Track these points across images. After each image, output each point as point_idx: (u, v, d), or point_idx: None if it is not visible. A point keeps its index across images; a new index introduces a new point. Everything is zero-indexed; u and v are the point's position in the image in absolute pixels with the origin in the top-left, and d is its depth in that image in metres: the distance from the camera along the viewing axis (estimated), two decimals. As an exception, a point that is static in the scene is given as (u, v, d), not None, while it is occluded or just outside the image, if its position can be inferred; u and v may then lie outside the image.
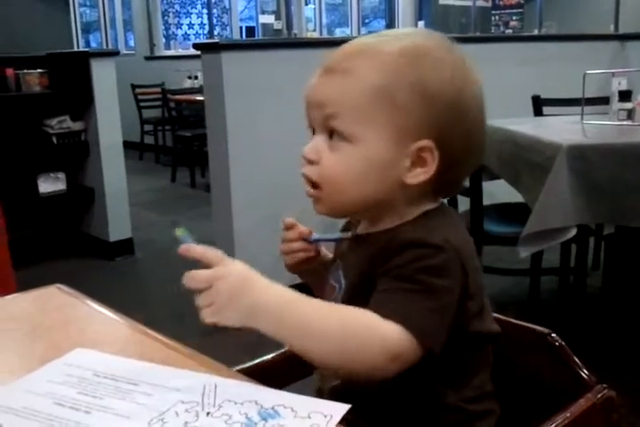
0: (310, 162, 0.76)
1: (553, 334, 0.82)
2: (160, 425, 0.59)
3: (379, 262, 0.71)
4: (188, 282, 0.66)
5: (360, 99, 0.73)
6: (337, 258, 0.85)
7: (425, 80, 0.73)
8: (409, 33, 0.80)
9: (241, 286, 0.66)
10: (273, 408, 0.62)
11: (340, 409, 0.61)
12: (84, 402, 0.63)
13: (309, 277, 0.91)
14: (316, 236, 0.85)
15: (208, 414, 0.61)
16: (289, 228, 0.85)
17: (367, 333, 0.66)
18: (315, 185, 0.76)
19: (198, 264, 0.67)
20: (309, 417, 0.60)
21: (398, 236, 0.72)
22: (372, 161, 0.73)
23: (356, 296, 0.74)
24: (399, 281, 0.68)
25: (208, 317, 0.65)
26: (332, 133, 0.75)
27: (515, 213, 2.27)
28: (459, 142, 0.74)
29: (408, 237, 0.71)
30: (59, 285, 0.96)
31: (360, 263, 0.76)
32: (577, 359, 0.79)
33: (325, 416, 0.60)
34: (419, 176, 0.74)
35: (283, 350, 0.90)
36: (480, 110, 0.77)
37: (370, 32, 9.16)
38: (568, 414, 0.70)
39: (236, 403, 0.62)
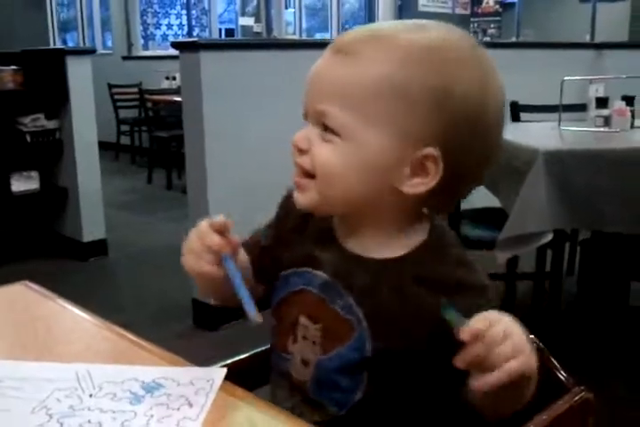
0: (300, 151, 0.68)
1: (531, 336, 0.81)
2: (45, 412, 0.60)
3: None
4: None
5: (364, 90, 0.63)
6: (335, 284, 0.72)
7: (447, 82, 0.63)
8: (432, 24, 0.69)
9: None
10: (154, 381, 0.64)
11: (220, 373, 0.66)
12: None
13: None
14: None
15: (91, 395, 0.62)
16: (218, 230, 0.68)
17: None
18: (308, 175, 0.68)
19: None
20: (192, 384, 0.64)
21: (454, 275, 0.69)
22: (366, 161, 0.65)
23: (393, 330, 0.69)
24: None
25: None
26: (324, 125, 0.66)
27: (492, 218, 2.28)
28: (469, 157, 0.66)
29: (463, 280, 0.69)
30: (26, 282, 0.93)
31: (390, 295, 0.69)
32: (555, 361, 0.78)
33: (208, 381, 0.64)
34: (417, 187, 0.66)
35: (255, 352, 0.88)
36: (500, 124, 0.68)
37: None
38: (545, 417, 0.69)
39: (115, 383, 0.64)
